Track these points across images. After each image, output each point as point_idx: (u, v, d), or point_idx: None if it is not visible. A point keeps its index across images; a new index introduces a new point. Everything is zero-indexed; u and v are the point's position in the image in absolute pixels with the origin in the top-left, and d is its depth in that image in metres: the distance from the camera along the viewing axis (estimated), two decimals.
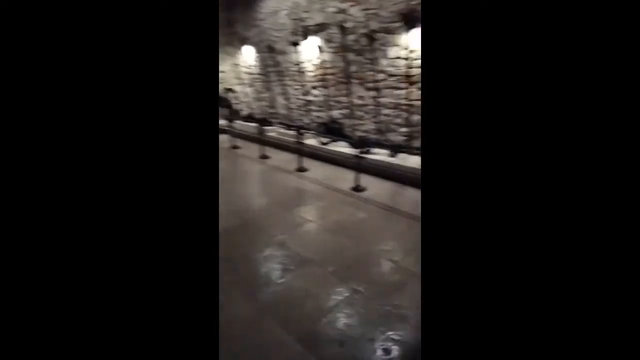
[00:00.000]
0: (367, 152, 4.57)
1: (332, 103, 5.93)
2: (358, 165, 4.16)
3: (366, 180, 4.04)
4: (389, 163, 4.34)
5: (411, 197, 3.65)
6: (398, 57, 4.71)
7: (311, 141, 5.55)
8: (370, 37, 4.91)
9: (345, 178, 4.30)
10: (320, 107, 6.23)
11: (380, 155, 4.68)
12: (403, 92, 4.78)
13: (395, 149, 4.48)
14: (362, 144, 4.62)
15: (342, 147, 5.18)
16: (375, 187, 4.01)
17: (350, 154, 4.69)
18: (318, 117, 6.32)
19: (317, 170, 4.81)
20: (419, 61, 4.44)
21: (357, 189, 3.89)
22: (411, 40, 4.35)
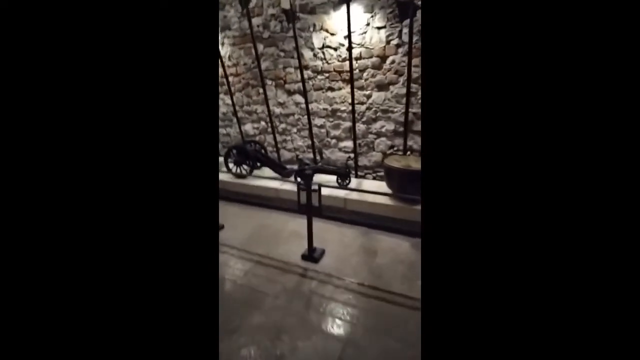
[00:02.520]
0: (304, 181, 3.19)
1: (242, 115, 4.34)
2: (298, 206, 2.75)
3: (317, 229, 2.63)
4: (343, 198, 3.02)
5: (398, 259, 2.41)
6: (327, 47, 3.43)
7: (221, 175, 3.86)
8: (285, 19, 3.51)
9: (283, 232, 2.83)
10: (223, 121, 4.57)
11: (326, 185, 3.32)
12: (338, 93, 3.54)
13: (343, 174, 3.19)
14: (295, 171, 3.20)
15: (268, 180, 3.66)
16: (335, 244, 2.63)
17: (283, 188, 3.23)
18: (224, 135, 4.65)
19: (236, 223, 2.99)
20: (357, 50, 3.25)
21: (311, 256, 2.36)
22: (342, 22, 3.12)
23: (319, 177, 3.38)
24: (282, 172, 3.52)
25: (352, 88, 3.12)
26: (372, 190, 2.87)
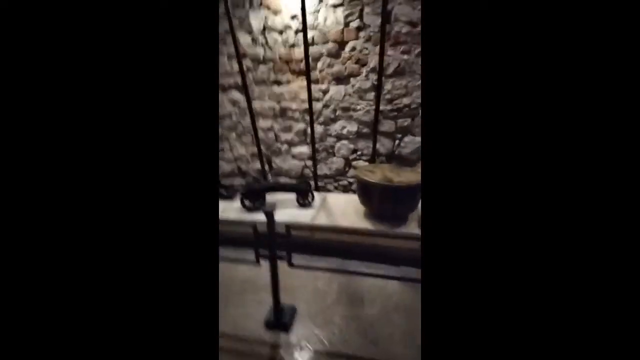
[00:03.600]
0: (255, 204, 2.44)
1: None
2: (256, 243, 2.03)
3: (285, 276, 1.92)
4: (308, 225, 2.34)
5: (391, 305, 1.84)
6: (270, 29, 2.70)
7: None
8: None
9: (232, 285, 2.08)
10: None
11: (279, 205, 2.61)
12: (287, 88, 2.85)
13: (304, 190, 2.52)
14: (240, 191, 2.43)
15: None
16: (307, 293, 1.95)
17: (224, 216, 2.43)
18: None
19: None
20: (311, 33, 2.59)
21: (280, 321, 1.62)
22: None
23: (272, 197, 2.67)
24: (223, 194, 2.70)
25: (309, 80, 2.45)
26: (345, 216, 2.27)
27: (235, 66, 2.90)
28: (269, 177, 3.00)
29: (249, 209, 2.42)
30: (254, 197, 2.41)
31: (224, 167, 3.29)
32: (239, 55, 2.51)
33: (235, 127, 3.12)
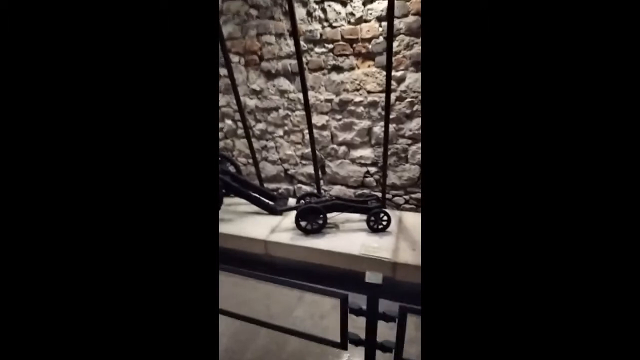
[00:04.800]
0: (313, 225, 1.91)
1: None
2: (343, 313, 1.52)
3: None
4: (390, 262, 1.77)
5: None
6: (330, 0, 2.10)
7: None
8: None
9: (284, 348, 1.58)
10: None
11: (342, 227, 2.06)
12: (349, 76, 2.26)
13: (376, 210, 1.95)
14: (296, 208, 1.91)
15: (246, 219, 2.31)
16: None
17: (275, 240, 1.92)
18: None
19: None
20: (378, 4, 1.97)
21: None
22: None
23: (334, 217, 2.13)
24: (269, 206, 2.19)
25: (390, 63, 1.83)
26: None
27: (284, 47, 2.34)
28: (325, 192, 2.47)
29: (306, 232, 1.90)
30: (313, 216, 1.89)
31: (267, 169, 2.79)
32: (296, 31, 1.93)
33: (283, 122, 2.58)
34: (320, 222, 1.90)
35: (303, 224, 1.87)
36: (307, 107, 2.10)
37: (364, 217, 1.98)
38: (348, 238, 1.87)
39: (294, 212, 2.00)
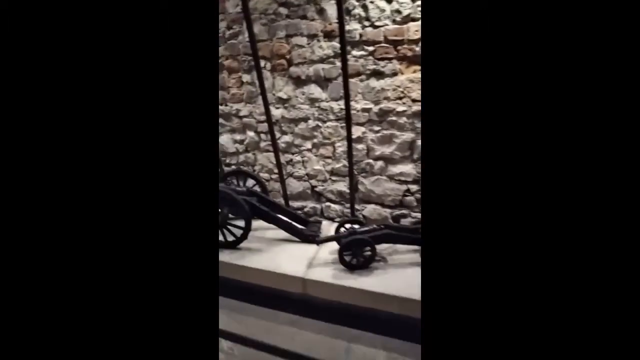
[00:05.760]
0: (359, 260, 1.61)
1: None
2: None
3: None
4: None
5: None
6: None
7: None
8: None
9: None
10: None
11: (390, 260, 1.75)
12: (391, 82, 1.98)
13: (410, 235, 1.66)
14: (340, 238, 1.62)
15: (280, 249, 2.00)
16: None
17: (314, 279, 1.63)
18: None
19: None
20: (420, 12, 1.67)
21: None
22: None
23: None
24: (303, 233, 1.90)
25: None
26: None
27: (317, 50, 2.07)
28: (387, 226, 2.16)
29: (351, 267, 1.61)
30: (359, 249, 1.60)
31: (292, 185, 2.50)
32: (343, 29, 1.63)
33: (312, 134, 2.30)
34: (368, 255, 1.61)
35: (348, 258, 1.59)
36: (348, 117, 1.82)
37: (417, 247, 1.70)
38: (402, 275, 1.57)
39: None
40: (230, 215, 1.82)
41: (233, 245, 1.84)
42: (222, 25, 2.30)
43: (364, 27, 1.93)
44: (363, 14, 1.91)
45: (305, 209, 2.53)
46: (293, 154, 2.43)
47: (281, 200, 2.43)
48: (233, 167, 2.69)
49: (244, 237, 1.81)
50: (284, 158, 2.45)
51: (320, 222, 2.02)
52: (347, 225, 1.79)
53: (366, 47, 1.97)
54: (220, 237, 1.85)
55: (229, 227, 1.82)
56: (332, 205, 2.44)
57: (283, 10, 2.07)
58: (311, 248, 1.80)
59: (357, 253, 1.56)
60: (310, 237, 1.86)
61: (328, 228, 2.02)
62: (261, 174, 2.59)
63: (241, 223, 1.79)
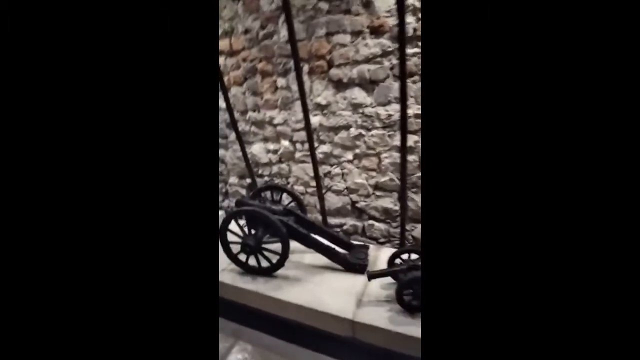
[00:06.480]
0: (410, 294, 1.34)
1: (244, 128, 2.44)
2: None
3: None
4: None
5: None
6: None
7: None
8: None
9: None
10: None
11: None
12: None
13: None
14: (403, 273, 1.35)
15: (325, 277, 1.75)
16: None
17: (365, 322, 1.37)
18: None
19: None
20: None
21: None
22: None
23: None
24: (348, 262, 1.63)
25: None
26: None
27: (362, 48, 1.81)
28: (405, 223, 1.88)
29: (411, 309, 1.33)
30: (420, 287, 1.31)
31: (331, 200, 2.25)
32: (403, 22, 1.37)
33: (354, 144, 2.04)
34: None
35: (407, 298, 1.31)
36: (404, 124, 1.54)
37: None
38: None
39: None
40: (264, 239, 1.61)
41: (268, 273, 1.62)
42: (256, 25, 2.10)
43: (418, 19, 1.66)
44: (418, 4, 1.63)
45: (345, 227, 2.27)
46: (332, 165, 2.18)
47: (318, 217, 2.19)
48: (266, 178, 2.48)
49: (280, 264, 1.58)
50: (321, 170, 2.21)
51: (367, 247, 1.76)
52: (404, 256, 1.51)
53: (420, 44, 1.69)
54: (254, 262, 1.64)
55: (263, 251, 1.60)
56: (376, 223, 2.17)
57: (324, 5, 1.83)
58: (358, 280, 1.53)
59: (419, 293, 1.28)
60: (357, 266, 1.60)
61: (375, 254, 1.75)
62: (295, 187, 2.36)
63: (277, 246, 1.56)
